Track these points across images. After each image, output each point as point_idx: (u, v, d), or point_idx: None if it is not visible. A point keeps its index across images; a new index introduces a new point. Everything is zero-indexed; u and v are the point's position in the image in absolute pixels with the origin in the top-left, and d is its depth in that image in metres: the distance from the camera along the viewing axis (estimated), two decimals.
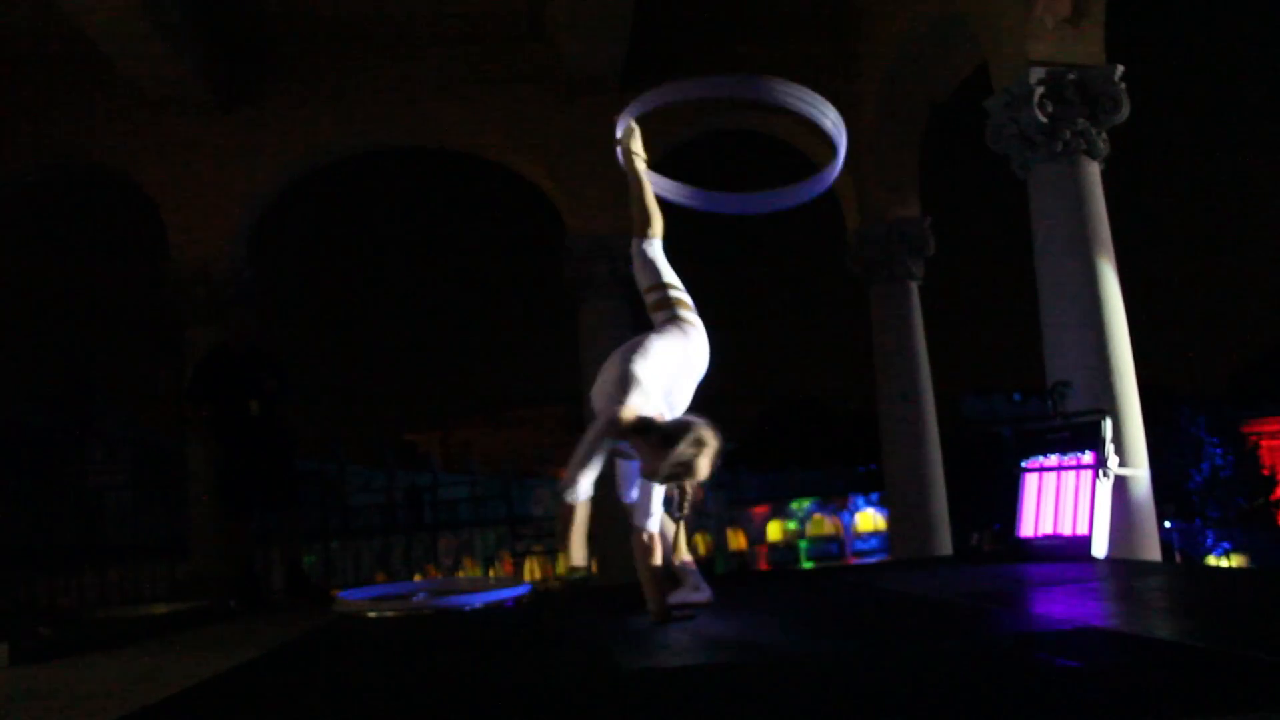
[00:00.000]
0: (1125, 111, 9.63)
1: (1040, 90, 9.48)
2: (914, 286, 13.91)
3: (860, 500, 53.40)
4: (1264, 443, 43.75)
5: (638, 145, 5.74)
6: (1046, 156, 9.58)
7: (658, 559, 4.80)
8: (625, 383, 4.42)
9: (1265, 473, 42.17)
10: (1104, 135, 9.65)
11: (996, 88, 10.08)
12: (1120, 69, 9.58)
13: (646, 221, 5.33)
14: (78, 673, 4.72)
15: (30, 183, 14.42)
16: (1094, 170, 9.64)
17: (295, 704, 3.57)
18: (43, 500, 22.58)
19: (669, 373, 4.64)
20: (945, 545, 12.90)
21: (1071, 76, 9.51)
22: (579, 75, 13.19)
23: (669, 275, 5.19)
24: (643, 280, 5.23)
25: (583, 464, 4.35)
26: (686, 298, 5.12)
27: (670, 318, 4.99)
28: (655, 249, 5.28)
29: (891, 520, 14.93)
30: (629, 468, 4.90)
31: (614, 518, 12.94)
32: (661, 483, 4.45)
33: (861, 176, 13.92)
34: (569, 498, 4.38)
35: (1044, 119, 9.47)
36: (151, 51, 11.97)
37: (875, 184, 13.85)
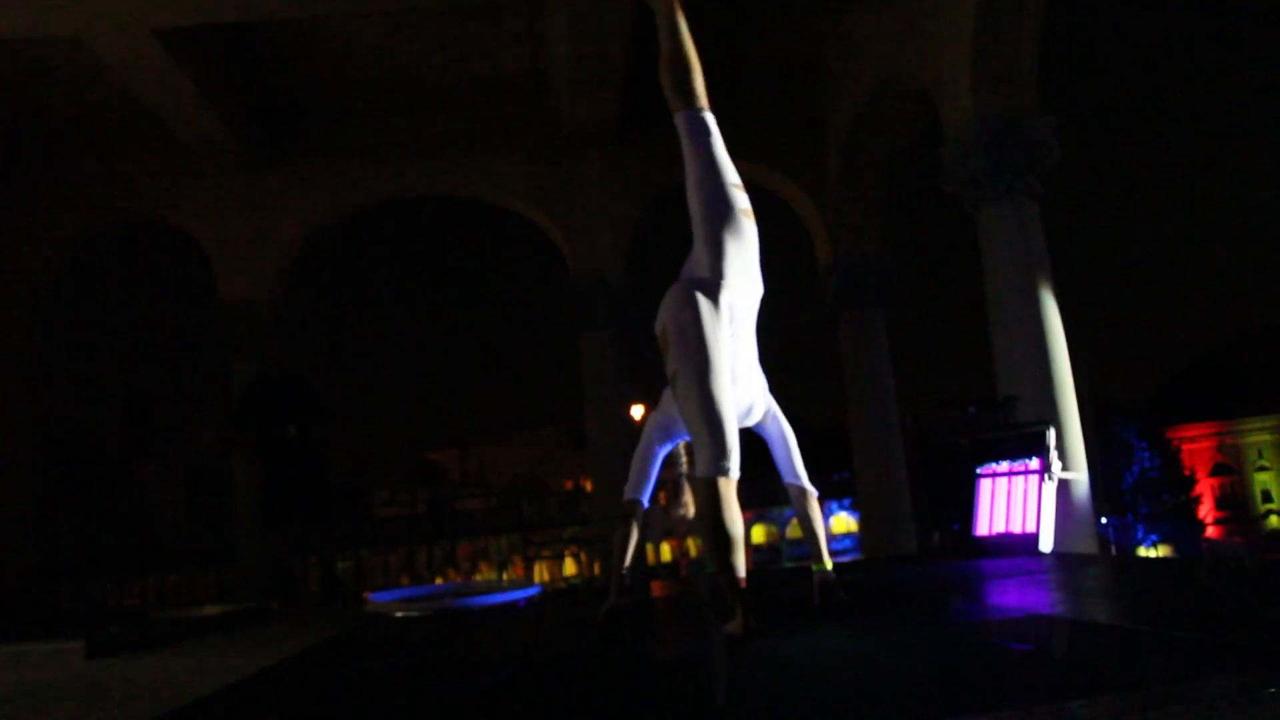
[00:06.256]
0: (1059, 156, 9.68)
1: (985, 139, 9.53)
2: (880, 314, 13.91)
3: (834, 505, 53.27)
4: (1185, 446, 44.09)
5: None
6: (992, 197, 9.63)
7: (629, 548, 4.21)
8: None
9: (1186, 473, 42.57)
10: (1042, 178, 9.68)
11: (947, 136, 10.14)
12: (1053, 119, 9.64)
13: (691, 74, 3.92)
14: (144, 666, 4.73)
15: (98, 234, 14.66)
16: (1034, 210, 9.68)
17: (331, 698, 3.57)
18: (109, 514, 22.60)
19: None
20: (910, 544, 12.87)
21: (1012, 126, 9.57)
22: (578, 129, 13.26)
23: (733, 173, 3.83)
24: (705, 190, 3.78)
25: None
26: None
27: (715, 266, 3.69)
28: (714, 126, 3.88)
29: (862, 522, 14.90)
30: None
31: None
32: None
33: (828, 214, 13.97)
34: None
35: (988, 164, 9.52)
36: (200, 118, 12.17)
37: (839, 222, 13.87)
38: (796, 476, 4.08)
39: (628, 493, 4.19)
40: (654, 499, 4.29)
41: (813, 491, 4.13)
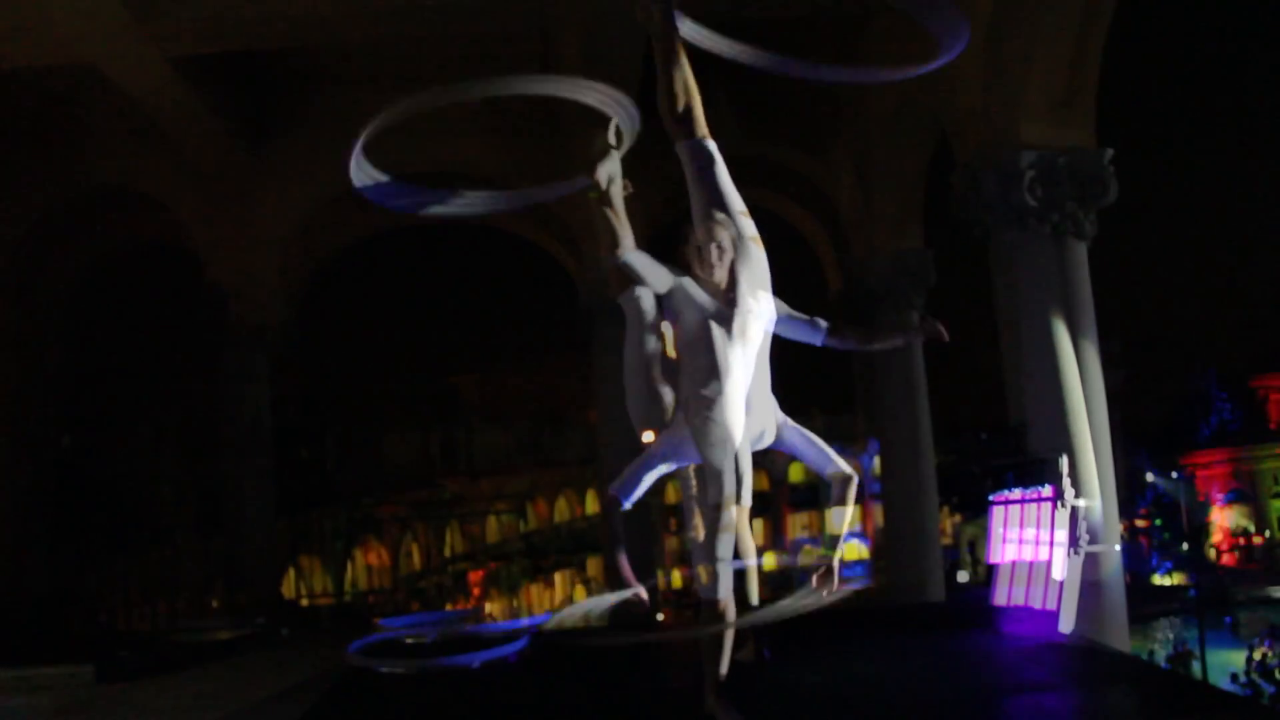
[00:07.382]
0: (1070, 185, 9.62)
1: (996, 166, 9.47)
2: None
3: (848, 533, 52.97)
4: (1199, 473, 43.78)
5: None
6: (1004, 223, 9.54)
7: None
8: None
9: (1201, 499, 42.20)
10: (1055, 203, 9.58)
11: (959, 163, 10.10)
12: (1040, 150, 9.59)
13: (692, 102, 3.79)
14: (154, 691, 4.71)
15: (109, 264, 14.87)
16: (1048, 234, 9.58)
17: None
18: (121, 537, 22.73)
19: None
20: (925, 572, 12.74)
21: (1025, 153, 9.52)
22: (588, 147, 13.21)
23: (738, 200, 3.71)
24: (702, 198, 3.74)
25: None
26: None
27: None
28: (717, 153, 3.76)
29: (875, 549, 14.79)
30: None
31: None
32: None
33: (840, 238, 13.99)
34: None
35: (1000, 191, 9.44)
36: (202, 126, 12.37)
37: (855, 239, 13.86)
38: (834, 463, 3.87)
39: (612, 488, 3.93)
40: (661, 523, 4.21)
41: (853, 475, 3.91)
